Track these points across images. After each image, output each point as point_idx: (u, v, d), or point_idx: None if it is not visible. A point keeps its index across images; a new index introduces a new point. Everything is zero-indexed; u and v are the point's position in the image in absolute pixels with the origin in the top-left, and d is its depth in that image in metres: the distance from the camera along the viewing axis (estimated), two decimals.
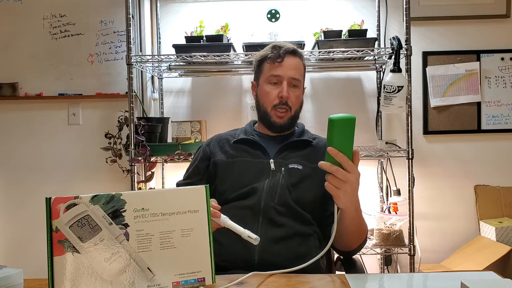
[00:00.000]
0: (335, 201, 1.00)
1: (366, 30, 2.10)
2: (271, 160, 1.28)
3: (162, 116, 2.32)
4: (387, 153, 2.03)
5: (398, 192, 2.19)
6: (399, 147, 2.04)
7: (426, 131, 2.33)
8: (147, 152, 1.97)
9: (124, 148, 2.17)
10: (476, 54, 2.31)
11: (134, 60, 2.03)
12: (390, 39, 2.02)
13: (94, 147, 2.26)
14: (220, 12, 2.32)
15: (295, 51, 1.33)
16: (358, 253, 1.26)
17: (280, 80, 1.30)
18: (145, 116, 2.17)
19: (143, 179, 2.11)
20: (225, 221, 1.00)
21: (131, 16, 2.00)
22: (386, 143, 2.07)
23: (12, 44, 2.33)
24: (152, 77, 2.34)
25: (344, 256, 1.29)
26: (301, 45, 2.06)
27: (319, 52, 2.02)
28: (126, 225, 0.82)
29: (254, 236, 0.95)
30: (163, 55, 2.17)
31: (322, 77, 2.34)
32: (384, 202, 2.26)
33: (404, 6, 1.94)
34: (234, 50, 2.15)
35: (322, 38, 2.08)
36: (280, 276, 0.97)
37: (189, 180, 1.34)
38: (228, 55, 2.04)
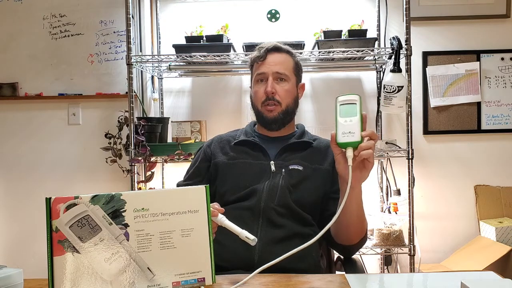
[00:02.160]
0: (364, 177, 1.02)
1: (366, 30, 2.10)
2: (272, 162, 1.28)
3: (162, 116, 2.32)
4: (387, 153, 2.03)
5: (398, 192, 2.19)
6: (399, 147, 2.04)
7: (426, 131, 2.33)
8: (147, 152, 1.97)
9: (124, 148, 2.17)
10: (476, 54, 2.31)
11: (134, 60, 2.03)
12: (390, 39, 2.02)
13: (94, 147, 2.26)
14: (220, 12, 2.32)
15: (277, 47, 1.33)
16: (358, 253, 1.26)
17: (265, 77, 1.31)
18: (145, 116, 2.17)
19: (143, 179, 2.11)
20: (222, 220, 0.99)
21: (131, 16, 2.00)
22: (386, 143, 2.07)
23: (12, 44, 2.33)
24: (152, 77, 2.34)
25: (345, 255, 1.29)
26: (301, 45, 2.06)
27: (319, 52, 2.02)
28: (126, 225, 0.81)
29: (251, 237, 0.95)
30: (163, 55, 2.17)
31: (322, 77, 2.34)
32: (384, 202, 2.26)
33: (404, 6, 1.94)
34: (234, 50, 2.15)
35: (322, 38, 2.08)
36: (280, 276, 0.96)
37: (189, 181, 1.34)
38: (228, 55, 2.04)
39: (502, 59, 2.31)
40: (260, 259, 1.14)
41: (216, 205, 1.03)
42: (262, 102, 1.31)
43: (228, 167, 1.29)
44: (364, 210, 1.14)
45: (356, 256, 1.28)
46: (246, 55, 2.04)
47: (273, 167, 1.27)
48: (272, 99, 1.29)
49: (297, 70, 1.36)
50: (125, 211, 0.82)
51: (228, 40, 2.13)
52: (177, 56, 2.04)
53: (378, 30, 2.29)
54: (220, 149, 1.34)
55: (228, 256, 1.15)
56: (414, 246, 1.93)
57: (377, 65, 2.26)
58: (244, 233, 0.96)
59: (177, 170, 2.29)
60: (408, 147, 1.94)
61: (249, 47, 2.06)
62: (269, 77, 1.30)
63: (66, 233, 0.78)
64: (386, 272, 2.29)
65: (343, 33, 2.09)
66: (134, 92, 2.10)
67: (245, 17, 2.32)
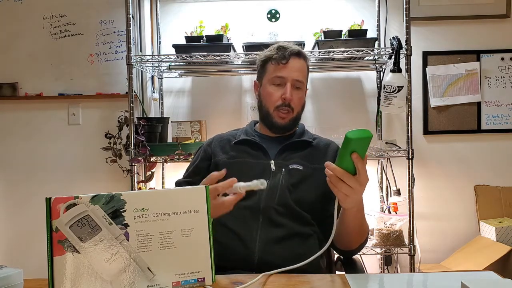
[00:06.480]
0: (340, 203, 1.01)
1: (366, 30, 2.10)
2: (272, 161, 1.28)
3: (162, 116, 2.32)
4: (387, 153, 2.03)
5: (398, 192, 2.19)
6: (399, 147, 2.04)
7: (426, 131, 2.33)
8: (147, 152, 1.97)
9: (124, 148, 2.17)
10: (476, 54, 2.31)
11: (134, 60, 2.03)
12: (390, 39, 2.02)
13: (94, 147, 2.26)
14: (220, 12, 2.32)
15: (300, 53, 1.33)
16: (358, 253, 1.26)
17: (284, 82, 1.30)
18: (145, 116, 2.17)
19: (143, 179, 2.11)
20: (236, 186, 1.02)
21: (131, 16, 2.00)
22: (386, 143, 2.07)
23: (12, 44, 2.33)
24: (152, 77, 2.34)
25: (345, 256, 1.29)
26: (301, 45, 2.06)
27: (319, 52, 2.02)
28: (126, 225, 0.82)
29: (261, 180, 1.01)
30: (163, 55, 2.17)
31: (322, 77, 2.34)
32: (384, 202, 2.26)
33: (404, 6, 1.94)
34: (234, 50, 2.15)
35: (322, 38, 2.08)
36: (280, 276, 0.96)
37: (189, 179, 1.34)
38: (228, 55, 2.04)
39: (502, 59, 2.31)
40: (260, 259, 1.14)
41: (215, 173, 1.06)
42: (276, 106, 1.30)
43: (228, 166, 1.29)
44: (364, 218, 1.15)
45: (356, 256, 1.28)
46: (246, 55, 2.04)
47: (273, 167, 1.27)
48: (287, 105, 1.29)
49: (308, 76, 1.38)
50: (125, 211, 0.82)
51: (228, 40, 2.12)
52: (177, 56, 2.04)
53: (378, 30, 2.29)
54: (221, 148, 1.35)
55: (228, 256, 1.15)
56: (414, 246, 1.93)
57: (377, 65, 2.25)
58: (254, 183, 1.01)
59: (177, 170, 2.29)
60: (408, 147, 1.94)
61: (249, 47, 2.06)
62: (288, 83, 1.29)
63: (66, 233, 0.78)
64: (386, 272, 2.29)
65: (343, 33, 2.09)
66: (134, 92, 2.10)
67: (245, 17, 2.32)
